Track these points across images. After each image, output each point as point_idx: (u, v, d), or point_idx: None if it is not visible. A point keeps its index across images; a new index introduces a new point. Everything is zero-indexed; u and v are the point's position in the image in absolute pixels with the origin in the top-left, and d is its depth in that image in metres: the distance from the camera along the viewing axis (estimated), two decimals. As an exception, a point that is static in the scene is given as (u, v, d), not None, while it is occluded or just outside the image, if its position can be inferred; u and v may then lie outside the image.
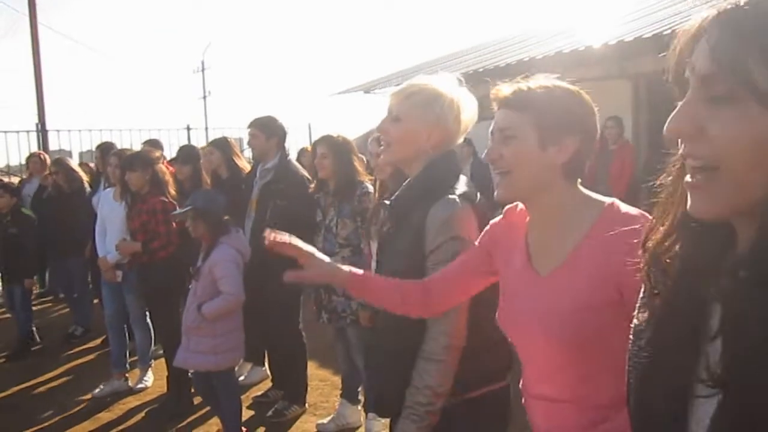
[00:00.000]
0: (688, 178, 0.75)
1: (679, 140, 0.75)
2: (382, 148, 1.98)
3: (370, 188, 3.64)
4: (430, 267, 1.81)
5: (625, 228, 1.23)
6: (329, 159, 3.68)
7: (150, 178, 4.15)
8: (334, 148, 3.69)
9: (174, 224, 4.10)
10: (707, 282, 0.77)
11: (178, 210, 3.69)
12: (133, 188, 4.18)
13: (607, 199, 1.43)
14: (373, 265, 3.46)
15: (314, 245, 3.74)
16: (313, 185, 3.94)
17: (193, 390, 4.43)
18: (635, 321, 0.89)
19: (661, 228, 0.85)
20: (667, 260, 0.83)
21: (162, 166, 4.32)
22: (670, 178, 0.83)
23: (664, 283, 0.82)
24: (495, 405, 1.90)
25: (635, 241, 0.92)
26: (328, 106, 63.51)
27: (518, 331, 1.53)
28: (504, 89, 1.48)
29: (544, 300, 1.43)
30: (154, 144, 6.13)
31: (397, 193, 1.99)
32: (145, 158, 4.22)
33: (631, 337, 0.89)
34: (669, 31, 6.67)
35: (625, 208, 1.39)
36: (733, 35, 0.70)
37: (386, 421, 3.83)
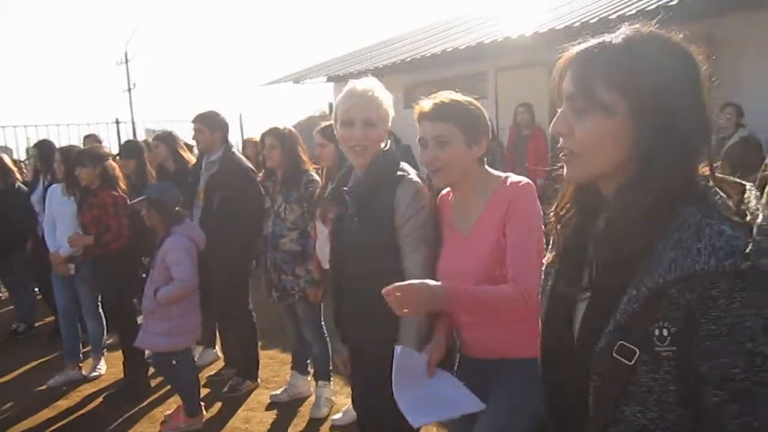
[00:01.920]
0: (563, 157, 1.14)
1: (560, 136, 1.14)
2: (358, 149, 2.23)
3: (315, 176, 3.96)
4: (403, 236, 2.17)
5: (512, 192, 1.92)
6: (277, 149, 3.98)
7: (100, 173, 4.33)
8: (282, 139, 3.99)
9: (125, 217, 4.31)
10: (587, 228, 1.21)
11: (133, 201, 3.90)
12: (84, 183, 4.34)
13: (503, 174, 2.01)
14: (319, 245, 3.80)
15: (263, 230, 4.08)
16: (261, 174, 4.22)
17: (149, 373, 4.67)
18: (544, 261, 1.31)
19: (562, 197, 1.25)
20: (564, 219, 1.25)
21: (112, 162, 4.49)
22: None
23: (562, 233, 1.25)
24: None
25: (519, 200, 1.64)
26: (259, 96, 62.60)
27: (447, 277, 2.01)
28: (425, 105, 1.98)
29: (468, 251, 1.99)
30: (93, 139, 6.21)
31: (356, 182, 2.30)
32: (94, 154, 4.39)
33: (542, 272, 1.31)
34: (578, 24, 7.26)
35: (514, 179, 1.97)
36: (586, 69, 1.08)
37: (336, 387, 4.21)
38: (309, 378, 4.39)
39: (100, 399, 4.56)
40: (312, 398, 4.24)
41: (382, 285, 2.13)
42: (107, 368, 5.09)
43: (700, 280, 0.96)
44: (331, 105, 13.83)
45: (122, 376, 4.79)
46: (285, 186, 4.00)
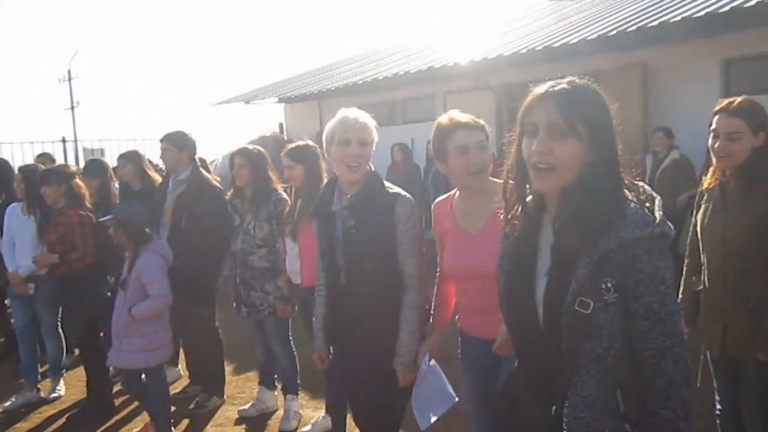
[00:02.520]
0: (537, 168, 1.48)
1: (537, 154, 1.48)
2: (353, 166, 2.56)
3: (284, 195, 4.10)
4: (402, 244, 2.53)
5: None
6: (246, 169, 4.11)
7: (66, 192, 4.34)
8: (250, 158, 4.12)
9: (91, 236, 4.32)
10: (534, 228, 1.60)
11: (102, 219, 3.94)
12: (49, 202, 4.34)
13: (500, 181, 2.22)
14: (289, 261, 3.92)
15: (232, 247, 4.16)
16: (230, 193, 4.32)
17: (114, 391, 4.66)
18: (500, 249, 1.67)
19: (513, 198, 1.62)
20: (517, 215, 1.62)
21: (78, 180, 4.50)
22: (512, 173, 1.60)
23: (513, 233, 1.63)
24: None
25: None
26: (207, 116, 62.23)
27: (462, 273, 2.35)
28: (459, 117, 2.31)
29: (478, 248, 2.24)
30: (47, 157, 6.16)
31: (354, 199, 2.60)
32: (61, 173, 4.39)
33: (498, 259, 1.67)
34: (525, 50, 7.65)
35: None
36: (569, 104, 1.45)
37: (303, 401, 4.32)
38: (276, 393, 4.48)
39: (63, 420, 4.51)
40: (280, 412, 4.33)
41: (382, 288, 2.55)
42: (66, 389, 5.03)
43: (630, 244, 1.39)
44: (281, 125, 13.95)
45: (82, 396, 4.78)
46: (254, 204, 4.12)
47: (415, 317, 2.55)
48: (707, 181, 2.72)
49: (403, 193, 2.60)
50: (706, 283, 2.68)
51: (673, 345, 1.41)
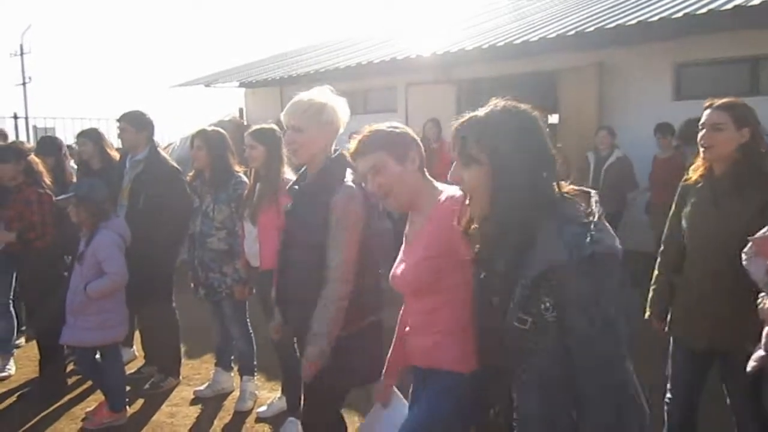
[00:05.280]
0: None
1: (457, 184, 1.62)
2: (291, 150, 2.56)
3: (243, 178, 4.12)
4: (330, 235, 2.42)
5: (451, 205, 1.98)
6: (203, 150, 4.11)
7: (23, 169, 4.27)
8: (209, 141, 4.12)
9: (50, 215, 4.27)
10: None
11: (61, 197, 3.90)
12: (6, 180, 4.27)
13: (442, 188, 2.13)
14: (247, 244, 3.96)
15: (190, 229, 4.16)
16: (191, 174, 4.32)
17: (67, 371, 4.62)
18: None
19: (468, 214, 1.67)
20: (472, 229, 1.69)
21: (35, 157, 4.43)
22: None
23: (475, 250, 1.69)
24: (370, 335, 2.57)
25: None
26: (165, 98, 61.04)
27: (397, 284, 2.16)
28: (351, 146, 2.15)
29: (406, 259, 2.11)
30: (0, 134, 6.02)
31: (306, 183, 2.59)
32: (18, 150, 4.32)
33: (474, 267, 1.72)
34: (487, 46, 7.78)
35: (449, 193, 2.07)
36: (464, 135, 1.57)
37: (259, 383, 4.37)
38: (232, 374, 4.52)
39: (14, 398, 4.47)
40: (235, 393, 4.37)
41: (307, 275, 2.46)
42: (17, 369, 4.96)
43: (559, 268, 1.42)
44: (241, 110, 13.83)
45: (34, 376, 4.73)
46: (213, 186, 4.13)
47: (328, 312, 2.40)
48: (694, 176, 2.75)
49: (350, 184, 2.47)
50: (693, 279, 2.71)
51: (598, 367, 1.43)
